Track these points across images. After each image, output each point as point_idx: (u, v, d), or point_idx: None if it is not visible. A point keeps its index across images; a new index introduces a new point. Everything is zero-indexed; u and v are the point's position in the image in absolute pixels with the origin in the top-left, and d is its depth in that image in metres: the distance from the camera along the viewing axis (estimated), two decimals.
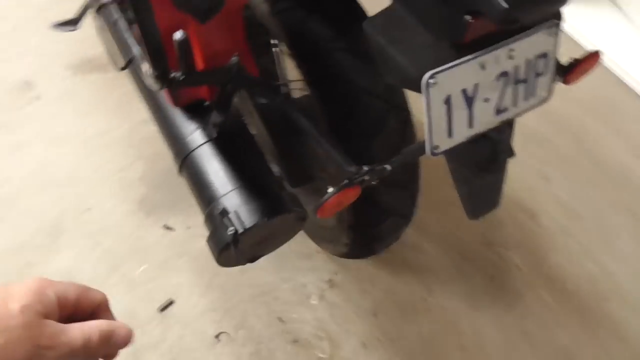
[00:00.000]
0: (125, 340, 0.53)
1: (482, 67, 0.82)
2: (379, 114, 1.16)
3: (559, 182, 1.84)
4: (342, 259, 1.63)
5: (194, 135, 1.05)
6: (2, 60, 2.11)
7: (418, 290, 1.61)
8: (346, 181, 0.89)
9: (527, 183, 1.83)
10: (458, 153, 0.90)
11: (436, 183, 1.75)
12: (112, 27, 1.34)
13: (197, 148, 1.04)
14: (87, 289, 0.54)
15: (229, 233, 0.94)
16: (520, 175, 1.85)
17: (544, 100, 0.92)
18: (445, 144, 0.85)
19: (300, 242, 1.67)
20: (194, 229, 1.69)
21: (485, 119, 0.87)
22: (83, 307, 0.53)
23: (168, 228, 1.71)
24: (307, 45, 1.14)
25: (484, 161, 0.92)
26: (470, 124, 0.85)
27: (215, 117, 1.00)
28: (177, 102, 1.08)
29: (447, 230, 1.73)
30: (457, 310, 1.59)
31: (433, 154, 0.84)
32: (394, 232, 1.32)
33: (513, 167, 1.88)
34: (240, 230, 0.94)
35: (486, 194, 0.99)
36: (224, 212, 0.95)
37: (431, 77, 0.78)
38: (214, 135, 1.04)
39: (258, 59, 1.52)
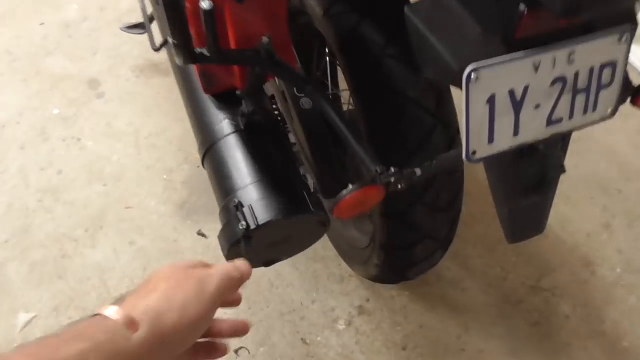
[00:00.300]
0: (248, 269, 0.65)
1: (536, 67, 0.73)
2: (425, 128, 1.09)
3: (621, 233, 1.69)
4: (376, 286, 1.54)
5: (221, 125, 1.00)
6: (77, 58, 2.19)
7: (454, 328, 1.49)
8: (369, 179, 0.82)
9: (585, 228, 1.69)
10: (499, 164, 0.80)
11: (484, 218, 1.66)
12: (155, 6, 1.33)
13: (221, 139, 0.98)
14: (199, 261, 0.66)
15: (240, 228, 0.87)
16: (579, 218, 1.71)
17: (605, 117, 0.82)
18: (485, 150, 0.76)
19: (334, 263, 1.60)
20: None
21: (533, 128, 0.77)
22: None
23: (202, 235, 1.69)
24: (356, 50, 1.09)
25: (529, 177, 0.82)
26: (516, 131, 0.76)
27: (244, 107, 0.95)
28: (207, 89, 1.04)
29: (491, 267, 1.61)
30: (494, 354, 1.46)
31: (469, 159, 0.75)
32: (428, 257, 1.22)
33: (572, 209, 1.77)
34: (252, 226, 0.87)
35: (529, 216, 0.88)
36: (239, 206, 0.89)
37: (473, 70, 0.70)
38: (241, 126, 0.99)
39: (310, 67, 1.49)
